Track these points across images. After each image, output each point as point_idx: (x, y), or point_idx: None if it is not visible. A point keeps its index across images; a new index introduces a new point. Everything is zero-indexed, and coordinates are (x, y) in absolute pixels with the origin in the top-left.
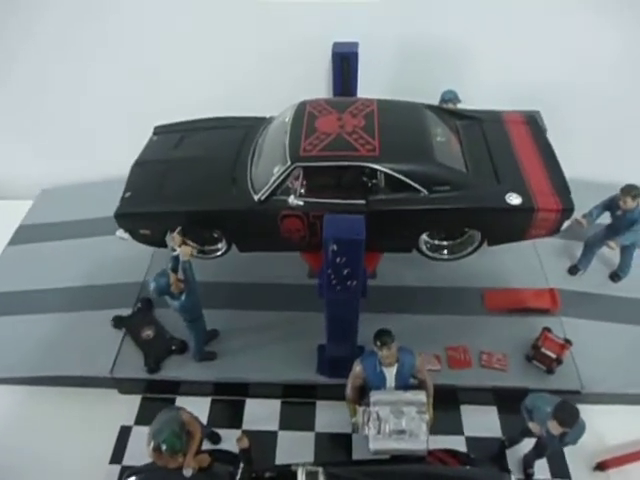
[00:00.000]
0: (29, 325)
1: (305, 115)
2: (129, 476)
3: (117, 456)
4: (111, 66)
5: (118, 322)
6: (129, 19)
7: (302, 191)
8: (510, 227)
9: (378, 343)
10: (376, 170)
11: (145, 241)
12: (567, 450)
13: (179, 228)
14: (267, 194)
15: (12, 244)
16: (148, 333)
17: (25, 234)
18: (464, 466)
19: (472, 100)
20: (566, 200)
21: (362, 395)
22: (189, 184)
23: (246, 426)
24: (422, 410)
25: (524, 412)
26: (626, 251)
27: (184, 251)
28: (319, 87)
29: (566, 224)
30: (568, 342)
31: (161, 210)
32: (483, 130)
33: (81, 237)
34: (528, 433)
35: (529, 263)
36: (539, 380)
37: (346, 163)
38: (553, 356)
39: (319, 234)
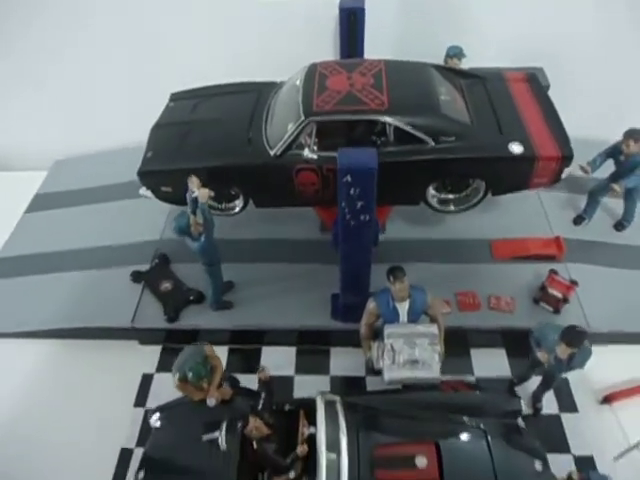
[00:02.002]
0: (53, 283)
1: (316, 75)
2: (154, 412)
3: (140, 400)
4: (121, 35)
5: (137, 277)
6: None
7: (315, 147)
8: (513, 176)
9: (391, 278)
10: (385, 124)
11: (166, 199)
12: (574, 386)
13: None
14: (283, 149)
15: (29, 212)
16: (166, 285)
17: (41, 202)
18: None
19: (477, 57)
20: (565, 148)
21: (375, 337)
22: (208, 143)
23: None
24: (434, 342)
25: (532, 342)
26: (629, 197)
27: (202, 193)
28: (326, 51)
29: (566, 172)
30: (574, 283)
31: (182, 167)
32: (486, 87)
33: (96, 203)
34: (537, 365)
35: (535, 215)
36: (546, 320)
37: (357, 117)
38: (559, 296)
39: (332, 187)
